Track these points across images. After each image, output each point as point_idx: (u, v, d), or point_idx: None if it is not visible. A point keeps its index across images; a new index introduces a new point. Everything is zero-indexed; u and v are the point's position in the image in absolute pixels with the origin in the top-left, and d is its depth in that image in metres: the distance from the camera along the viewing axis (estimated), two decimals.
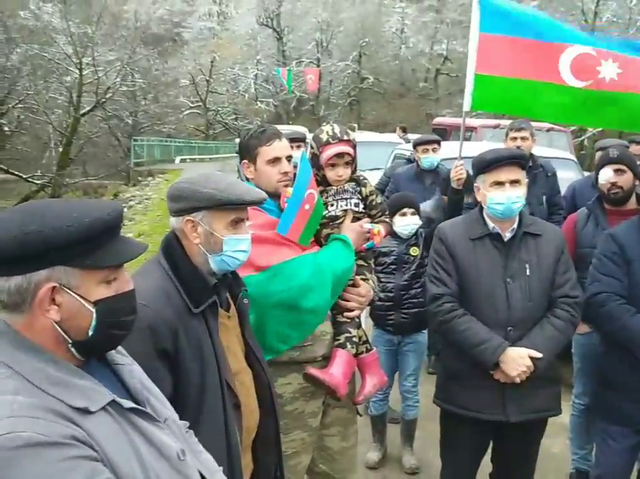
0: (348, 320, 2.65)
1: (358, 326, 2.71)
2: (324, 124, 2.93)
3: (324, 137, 2.62)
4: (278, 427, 2.26)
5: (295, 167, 2.64)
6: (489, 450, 3.10)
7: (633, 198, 3.59)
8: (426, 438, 4.20)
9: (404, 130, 12.74)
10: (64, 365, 1.30)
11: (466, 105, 3.83)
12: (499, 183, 2.78)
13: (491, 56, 3.70)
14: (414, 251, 4.06)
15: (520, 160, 2.83)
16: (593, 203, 3.71)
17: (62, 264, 1.27)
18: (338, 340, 2.63)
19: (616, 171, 3.55)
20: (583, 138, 25.74)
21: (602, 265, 3.02)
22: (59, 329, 1.29)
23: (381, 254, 3.98)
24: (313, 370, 2.52)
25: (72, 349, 1.32)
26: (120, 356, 1.49)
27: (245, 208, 2.01)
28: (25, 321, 1.29)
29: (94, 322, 1.31)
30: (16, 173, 27.06)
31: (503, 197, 2.76)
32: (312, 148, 2.68)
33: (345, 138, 2.62)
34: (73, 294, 1.29)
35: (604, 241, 3.08)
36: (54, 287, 1.27)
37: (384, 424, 4.32)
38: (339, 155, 2.61)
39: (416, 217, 4.05)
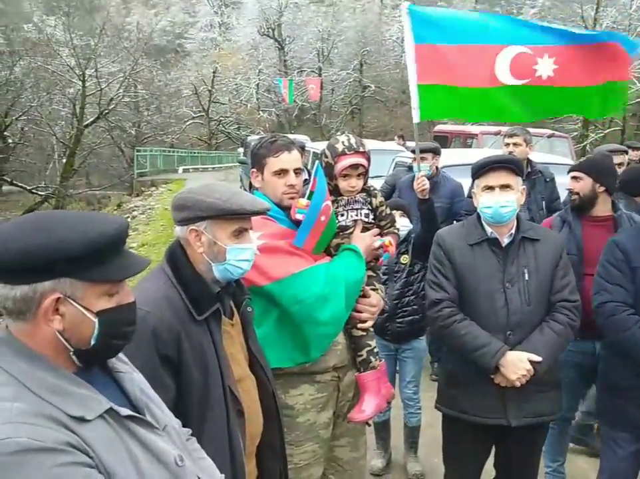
0: (365, 333, 2.66)
1: (374, 336, 2.73)
2: (339, 133, 2.94)
3: (339, 147, 2.61)
4: (282, 434, 2.28)
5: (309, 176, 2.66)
6: (493, 456, 3.11)
7: (609, 205, 3.60)
8: (430, 444, 4.21)
9: (402, 138, 12.79)
10: (63, 373, 1.34)
11: (415, 117, 3.79)
12: (490, 188, 2.81)
13: (429, 66, 3.71)
14: (404, 259, 4.06)
15: (510, 165, 2.84)
16: (565, 210, 3.74)
17: (68, 276, 1.31)
18: (360, 356, 2.65)
19: (573, 178, 3.62)
20: (585, 143, 25.76)
21: (608, 274, 3.01)
22: (61, 338, 1.33)
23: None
24: (356, 418, 2.63)
25: (73, 357, 1.36)
26: (121, 364, 1.53)
27: (248, 218, 2.04)
28: (28, 329, 1.32)
29: (96, 332, 1.35)
30: (20, 184, 27.17)
31: (492, 201, 2.79)
32: (326, 157, 2.66)
33: (361, 149, 2.62)
34: (76, 305, 1.32)
35: (608, 249, 3.07)
36: (58, 298, 1.30)
37: (388, 431, 4.33)
38: (353, 166, 2.61)
39: (406, 219, 4.06)
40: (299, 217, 2.50)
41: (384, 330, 4.04)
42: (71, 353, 1.35)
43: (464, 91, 3.73)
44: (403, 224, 4.04)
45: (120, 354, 1.52)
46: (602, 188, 3.55)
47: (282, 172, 2.58)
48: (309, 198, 2.52)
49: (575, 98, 3.70)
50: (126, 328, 1.43)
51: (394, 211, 4.00)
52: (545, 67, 3.65)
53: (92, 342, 1.35)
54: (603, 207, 3.58)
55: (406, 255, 4.07)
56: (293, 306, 2.42)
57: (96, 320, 1.35)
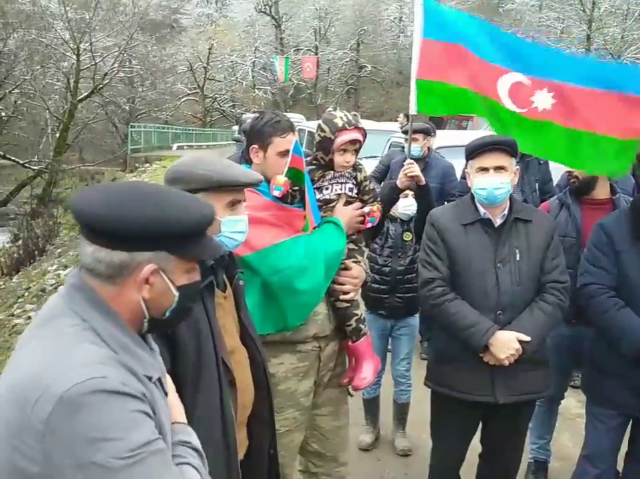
0: (349, 304, 2.72)
1: (359, 305, 2.80)
2: (329, 108, 2.95)
3: (339, 122, 2.63)
4: (272, 405, 2.32)
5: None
6: (479, 432, 3.15)
7: (607, 188, 3.59)
8: (418, 421, 4.25)
9: (407, 118, 12.66)
10: (130, 333, 1.39)
11: (412, 109, 3.76)
12: (484, 169, 2.82)
13: (433, 62, 3.62)
14: (407, 236, 4.10)
15: (505, 147, 2.83)
16: (564, 193, 3.73)
17: (167, 250, 1.37)
18: (350, 325, 2.72)
19: None
20: None
21: (592, 256, 3.05)
22: (144, 306, 1.39)
23: (379, 233, 3.89)
24: (360, 386, 2.80)
25: (146, 324, 1.42)
26: (154, 343, 1.58)
27: (241, 190, 2.05)
28: (112, 291, 1.36)
29: (174, 305, 1.42)
30: (13, 158, 26.92)
31: (486, 182, 2.80)
32: (323, 131, 2.67)
33: (359, 125, 2.68)
34: (165, 278, 1.39)
35: (594, 232, 3.10)
36: (154, 269, 1.36)
37: (377, 408, 4.39)
38: (352, 141, 2.65)
39: (411, 199, 4.06)
40: (275, 193, 2.55)
41: (381, 303, 4.10)
42: (145, 320, 1.41)
43: (465, 92, 3.62)
44: (407, 204, 4.04)
45: None
46: None
47: (286, 153, 2.60)
48: (286, 175, 2.55)
49: (568, 142, 3.43)
50: (192, 304, 1.51)
51: (407, 191, 4.03)
52: (543, 99, 3.46)
53: (167, 314, 1.43)
54: (602, 190, 3.57)
55: (408, 232, 4.11)
56: (272, 276, 2.47)
57: (177, 294, 1.41)
